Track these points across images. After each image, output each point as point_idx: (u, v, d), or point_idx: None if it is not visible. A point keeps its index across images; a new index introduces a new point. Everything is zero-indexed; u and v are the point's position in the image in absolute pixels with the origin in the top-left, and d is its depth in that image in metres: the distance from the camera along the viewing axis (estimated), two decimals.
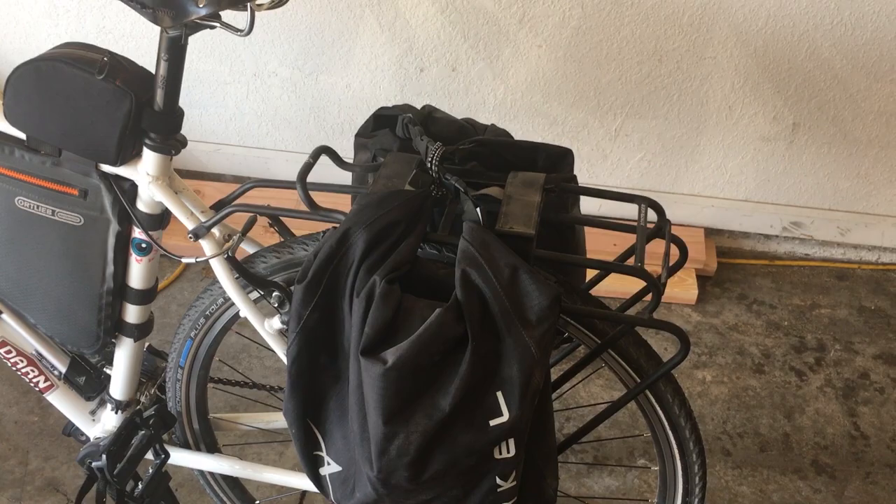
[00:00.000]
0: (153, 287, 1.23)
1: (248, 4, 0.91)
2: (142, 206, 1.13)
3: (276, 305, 1.13)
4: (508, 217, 0.99)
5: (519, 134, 1.30)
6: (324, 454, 1.03)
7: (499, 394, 0.91)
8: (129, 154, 1.09)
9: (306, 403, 1.00)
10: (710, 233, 2.34)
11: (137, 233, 1.16)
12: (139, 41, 2.23)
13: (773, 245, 2.38)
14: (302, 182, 1.02)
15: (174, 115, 1.08)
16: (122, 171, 1.11)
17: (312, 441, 1.03)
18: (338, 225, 0.98)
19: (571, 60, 2.11)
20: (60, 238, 1.15)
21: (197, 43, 2.22)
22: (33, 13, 2.22)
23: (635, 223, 1.03)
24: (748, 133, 2.17)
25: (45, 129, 1.08)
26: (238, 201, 1.11)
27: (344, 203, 1.15)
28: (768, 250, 2.39)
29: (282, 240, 1.17)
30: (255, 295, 1.16)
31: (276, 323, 1.15)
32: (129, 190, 1.12)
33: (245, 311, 1.15)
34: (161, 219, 1.15)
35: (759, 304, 2.22)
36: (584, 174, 2.29)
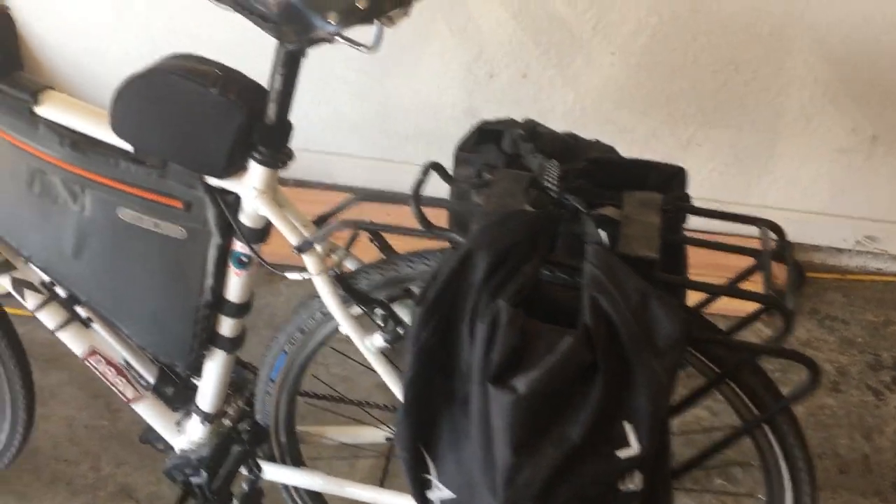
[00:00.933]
0: (249, 300, 1.22)
1: (378, 20, 0.88)
2: (245, 219, 1.12)
3: (379, 323, 1.11)
4: (630, 239, 0.96)
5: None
6: (433, 478, 1.01)
7: (626, 423, 0.89)
8: (236, 167, 1.07)
9: (419, 426, 0.98)
10: None
11: (238, 246, 1.14)
12: (207, 43, 2.23)
13: (845, 259, 2.33)
14: (416, 198, 1.00)
15: (284, 129, 1.06)
16: (227, 184, 1.09)
17: (421, 464, 1.01)
18: (452, 244, 0.96)
19: (644, 68, 2.08)
20: (161, 250, 1.14)
21: (262, 48, 2.21)
22: (100, 13, 2.23)
23: (750, 244, 1.00)
24: (824, 144, 2.12)
25: (152, 140, 1.07)
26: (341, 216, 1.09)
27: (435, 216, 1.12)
28: (839, 264, 2.33)
29: (383, 256, 1.15)
30: (355, 311, 1.14)
31: (377, 340, 1.13)
32: (232, 203, 1.11)
33: (347, 328, 1.13)
34: (263, 232, 1.14)
35: (832, 319, 2.17)
36: None
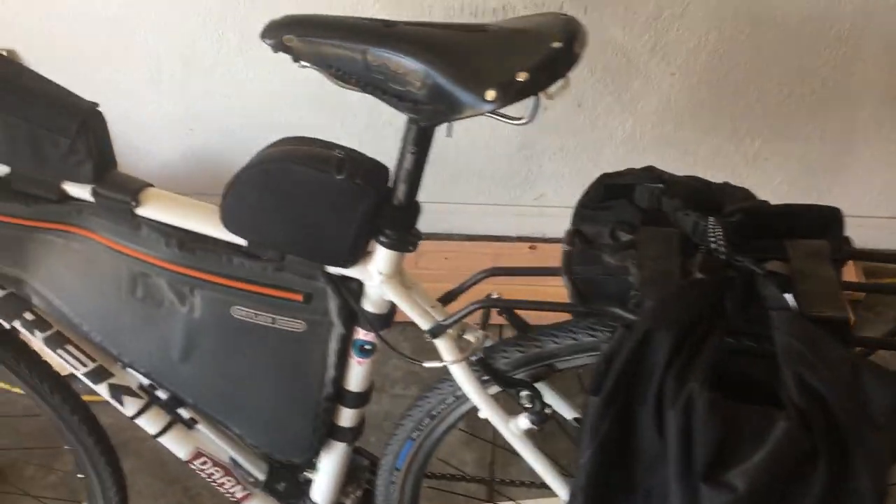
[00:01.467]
0: (370, 387, 1.13)
1: (537, 94, 0.80)
2: (368, 305, 1.03)
3: (526, 405, 1.03)
4: (812, 298, 0.87)
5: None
6: None
7: None
8: (361, 253, 0.99)
9: None
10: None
11: (361, 334, 1.06)
12: (244, 102, 2.15)
13: None
14: (569, 272, 0.92)
15: (413, 210, 0.98)
16: (351, 271, 1.01)
17: None
18: (619, 322, 0.88)
19: (706, 86, 2.00)
20: (278, 346, 1.06)
21: (307, 97, 2.14)
22: (136, 78, 2.15)
23: None
24: None
25: (269, 234, 0.99)
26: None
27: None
28: None
29: (517, 332, 1.06)
30: (492, 390, 1.06)
31: (522, 423, 1.05)
32: (355, 290, 1.02)
33: (488, 412, 1.05)
34: (388, 317, 1.05)
35: None
36: None
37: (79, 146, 0.98)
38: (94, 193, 1.01)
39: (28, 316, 1.13)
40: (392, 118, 2.20)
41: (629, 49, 1.97)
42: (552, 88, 0.83)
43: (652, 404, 0.84)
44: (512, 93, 0.78)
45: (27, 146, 0.98)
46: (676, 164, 1.02)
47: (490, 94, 0.78)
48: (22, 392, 1.23)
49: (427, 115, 0.86)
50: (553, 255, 0.99)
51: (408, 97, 0.84)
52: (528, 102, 0.83)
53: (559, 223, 1.08)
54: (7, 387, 1.80)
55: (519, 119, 0.84)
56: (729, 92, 2.00)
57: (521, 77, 0.78)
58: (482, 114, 0.81)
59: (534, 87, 0.79)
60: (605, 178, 1.09)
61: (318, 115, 2.15)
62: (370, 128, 2.16)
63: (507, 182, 2.26)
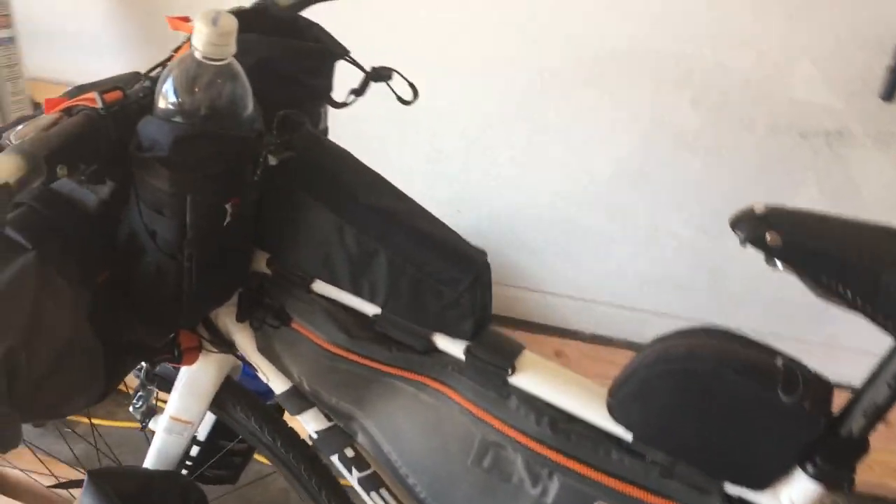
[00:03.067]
0: None
1: None
2: None
3: None
4: None
5: None
6: None
7: None
8: (778, 478, 0.81)
9: None
10: None
11: None
12: (523, 192, 2.04)
13: None
14: None
15: (860, 446, 0.79)
16: (757, 495, 0.83)
17: None
18: None
19: None
20: None
21: (585, 197, 2.01)
22: (416, 153, 2.09)
23: None
24: None
25: (668, 435, 0.83)
26: None
27: None
28: None
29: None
30: None
31: None
32: None
33: None
34: None
35: None
36: None
37: (464, 301, 0.86)
38: (468, 352, 0.89)
39: (349, 452, 1.04)
40: (678, 229, 2.02)
41: None
42: None
43: None
44: None
45: (407, 291, 0.88)
46: None
47: None
48: None
49: None
50: None
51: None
52: None
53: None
54: None
55: None
56: None
57: None
58: None
59: None
60: None
61: (596, 216, 2.01)
62: (651, 237, 2.00)
63: (797, 313, 2.02)
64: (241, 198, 0.82)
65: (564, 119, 1.92)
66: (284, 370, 1.00)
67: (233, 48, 0.75)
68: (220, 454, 1.24)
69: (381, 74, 0.94)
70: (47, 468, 1.40)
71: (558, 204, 2.03)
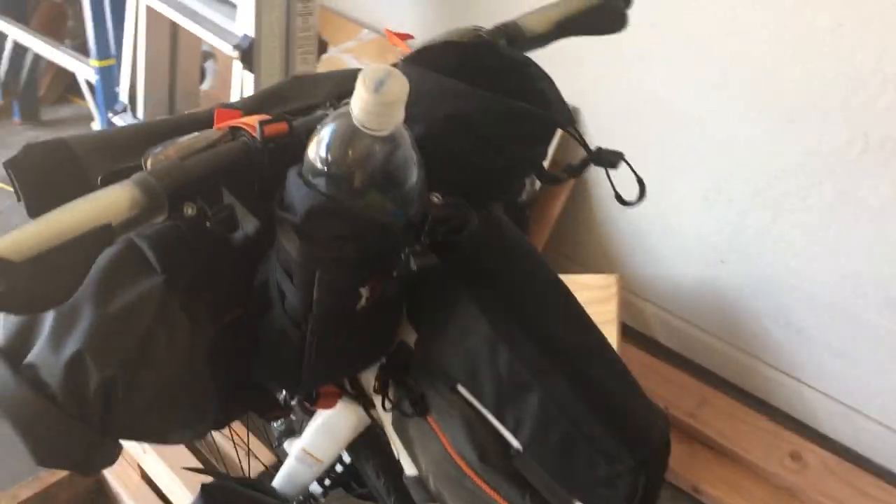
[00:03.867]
0: None
1: None
2: None
3: None
4: None
5: None
6: None
7: None
8: None
9: None
10: None
11: None
12: (802, 258, 1.70)
13: None
14: None
15: None
16: None
17: None
18: None
19: None
20: None
21: (888, 299, 1.65)
22: (692, 189, 1.83)
23: None
24: None
25: None
26: None
27: None
28: None
29: None
30: None
31: None
32: None
33: None
34: None
35: None
36: None
37: (621, 484, 0.66)
38: None
39: None
40: None
41: None
42: None
43: None
44: None
45: (557, 444, 0.70)
46: None
47: None
48: None
49: None
50: None
51: None
52: None
53: None
54: None
55: None
56: None
57: None
58: None
59: None
60: None
61: (893, 318, 1.63)
62: None
63: None
64: (382, 284, 0.68)
65: (881, 196, 1.55)
66: (414, 458, 0.87)
67: (399, 118, 0.60)
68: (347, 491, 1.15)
69: (604, 159, 0.74)
70: (244, 442, 1.33)
71: (845, 290, 1.67)
